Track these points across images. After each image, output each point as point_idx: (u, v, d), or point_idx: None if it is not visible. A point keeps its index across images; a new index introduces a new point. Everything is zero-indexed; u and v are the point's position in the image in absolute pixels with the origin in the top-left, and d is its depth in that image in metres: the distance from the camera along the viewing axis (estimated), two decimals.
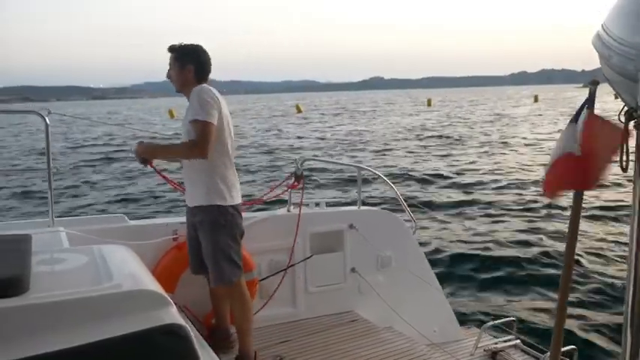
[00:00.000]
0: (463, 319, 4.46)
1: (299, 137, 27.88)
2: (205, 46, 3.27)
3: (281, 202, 4.30)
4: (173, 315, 1.70)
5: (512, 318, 4.21)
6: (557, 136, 1.79)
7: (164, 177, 3.64)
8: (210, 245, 3.17)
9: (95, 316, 1.58)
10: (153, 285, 1.82)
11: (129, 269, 1.98)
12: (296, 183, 4.01)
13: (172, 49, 3.22)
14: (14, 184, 14.77)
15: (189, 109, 3.11)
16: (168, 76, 3.26)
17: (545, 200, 10.47)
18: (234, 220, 3.20)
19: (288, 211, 4.10)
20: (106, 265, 1.91)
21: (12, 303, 1.52)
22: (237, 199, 3.23)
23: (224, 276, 3.19)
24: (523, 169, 15.14)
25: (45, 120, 3.26)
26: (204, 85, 3.14)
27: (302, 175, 4.00)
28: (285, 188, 4.08)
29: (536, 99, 69.36)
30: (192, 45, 3.24)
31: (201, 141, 3.00)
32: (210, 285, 3.39)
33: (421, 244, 4.59)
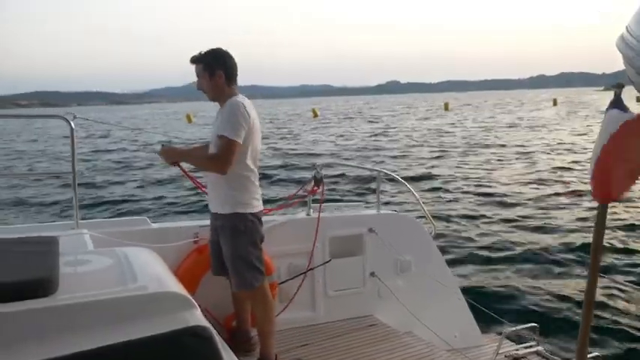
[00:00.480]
0: (484, 324, 4.41)
1: (316, 141, 27.93)
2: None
3: (301, 205, 4.30)
4: (197, 317, 1.72)
5: (534, 324, 4.16)
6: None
7: (191, 178, 3.64)
8: (230, 250, 3.20)
9: (121, 317, 1.60)
10: (177, 287, 1.84)
11: (153, 271, 2.00)
12: (316, 187, 4.02)
13: (196, 59, 3.20)
14: (39, 187, 15.01)
15: (221, 119, 3.14)
16: (199, 87, 3.25)
17: (571, 205, 10.38)
18: (255, 226, 3.23)
19: (308, 214, 4.11)
20: (131, 267, 1.93)
21: (42, 304, 1.55)
22: (258, 208, 3.26)
23: (245, 282, 3.22)
24: (542, 175, 14.95)
25: (70, 124, 3.31)
26: (239, 98, 3.15)
27: (322, 179, 4.02)
28: (305, 193, 4.10)
29: (555, 102, 68.62)
30: (215, 50, 3.21)
31: (223, 158, 3.05)
32: (232, 289, 3.41)
33: (441, 248, 4.55)
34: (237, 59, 3.25)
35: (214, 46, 3.23)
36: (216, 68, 3.17)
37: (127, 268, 1.92)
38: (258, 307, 3.35)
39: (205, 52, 3.20)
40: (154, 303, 1.68)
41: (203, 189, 3.53)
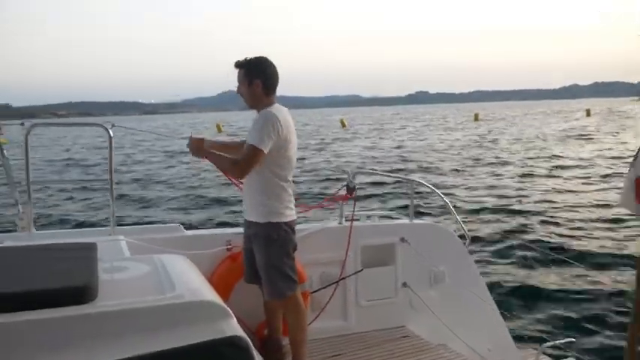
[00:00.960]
0: (520, 338, 4.30)
1: (345, 152, 27.91)
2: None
3: (330, 212, 4.30)
4: (234, 327, 1.72)
5: (572, 339, 4.03)
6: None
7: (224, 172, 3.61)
8: (263, 259, 3.21)
9: (159, 325, 1.61)
10: (213, 296, 1.85)
11: (189, 280, 2.01)
12: (348, 195, 4.00)
13: (239, 64, 3.22)
14: (77, 193, 15.36)
15: (251, 127, 3.15)
16: (239, 92, 3.27)
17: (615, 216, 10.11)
18: (288, 235, 3.23)
19: (340, 223, 4.09)
20: (168, 274, 1.94)
21: (82, 310, 1.57)
22: (292, 217, 3.26)
23: (277, 291, 3.22)
24: (576, 188, 14.58)
25: (109, 132, 3.38)
26: (274, 109, 3.15)
27: (354, 187, 4.00)
28: (337, 200, 4.09)
29: (588, 113, 66.98)
30: (258, 58, 3.22)
31: (244, 164, 3.07)
32: (264, 297, 3.41)
33: (474, 259, 4.46)
34: (282, 72, 3.23)
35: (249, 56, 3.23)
36: (254, 76, 3.18)
37: (164, 275, 1.93)
38: (291, 316, 3.34)
39: (249, 59, 3.21)
40: (192, 312, 1.68)
41: (238, 184, 3.48)
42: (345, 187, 4.04)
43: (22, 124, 3.34)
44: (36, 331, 1.50)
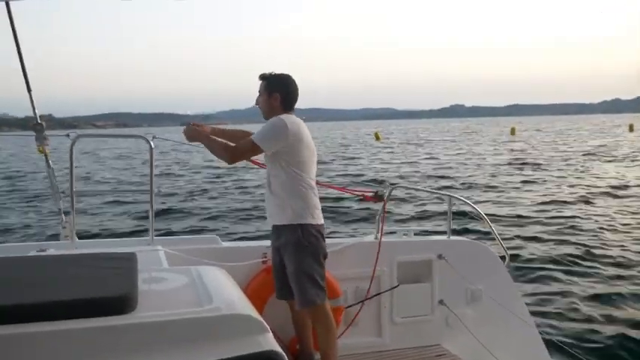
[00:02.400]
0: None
1: (380, 165, 27.77)
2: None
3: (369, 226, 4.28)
4: (271, 342, 1.71)
5: None
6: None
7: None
8: (293, 266, 3.20)
9: (197, 337, 1.62)
10: (250, 310, 1.84)
11: (227, 292, 2.02)
12: (374, 199, 3.99)
13: (263, 76, 3.32)
14: (118, 204, 15.72)
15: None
16: (257, 102, 3.35)
17: None
18: (318, 242, 3.22)
19: (376, 238, 4.06)
20: (205, 287, 1.95)
21: (123, 320, 1.58)
22: (320, 220, 3.26)
23: (309, 298, 3.20)
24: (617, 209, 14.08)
25: (150, 144, 3.44)
26: (284, 116, 3.19)
27: (383, 196, 3.97)
28: (363, 197, 4.19)
29: (631, 128, 64.85)
30: (282, 74, 3.33)
31: (237, 151, 3.19)
32: (296, 307, 3.37)
33: (514, 277, 4.35)
34: (298, 83, 3.33)
35: (278, 71, 3.33)
36: (275, 90, 3.27)
37: (202, 287, 1.94)
38: (321, 328, 3.31)
39: (272, 73, 3.32)
40: (229, 325, 1.68)
41: (259, 164, 3.52)
42: (375, 193, 4.03)
43: (68, 135, 3.45)
44: (76, 340, 1.52)
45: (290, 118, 3.19)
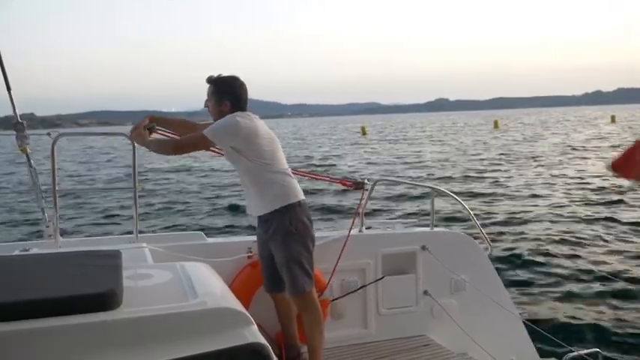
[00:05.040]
0: (542, 347, 4.24)
1: (365, 159, 27.85)
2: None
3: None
4: (256, 334, 1.73)
5: (596, 349, 3.96)
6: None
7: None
8: (282, 253, 3.20)
9: (183, 331, 1.63)
10: (235, 303, 1.86)
11: (212, 287, 2.03)
12: (350, 184, 4.05)
13: (210, 80, 3.27)
14: (99, 202, 15.60)
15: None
16: (206, 106, 3.32)
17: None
18: (306, 228, 3.22)
19: (360, 231, 4.09)
20: (190, 282, 1.97)
21: (109, 317, 1.59)
22: (300, 195, 3.26)
23: (300, 285, 3.20)
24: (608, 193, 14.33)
25: (133, 142, 3.43)
26: (238, 112, 3.17)
27: (363, 184, 4.00)
28: (342, 186, 4.25)
29: (613, 119, 65.74)
30: (229, 78, 3.27)
31: (181, 141, 3.21)
32: (286, 295, 3.37)
33: (496, 267, 4.42)
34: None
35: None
36: (224, 97, 3.23)
37: (187, 283, 1.96)
38: (308, 316, 3.31)
39: (219, 78, 3.27)
40: (214, 319, 1.70)
41: (216, 151, 3.46)
42: (354, 181, 4.08)
43: (49, 134, 3.42)
44: (62, 337, 1.53)
45: (242, 115, 3.17)
